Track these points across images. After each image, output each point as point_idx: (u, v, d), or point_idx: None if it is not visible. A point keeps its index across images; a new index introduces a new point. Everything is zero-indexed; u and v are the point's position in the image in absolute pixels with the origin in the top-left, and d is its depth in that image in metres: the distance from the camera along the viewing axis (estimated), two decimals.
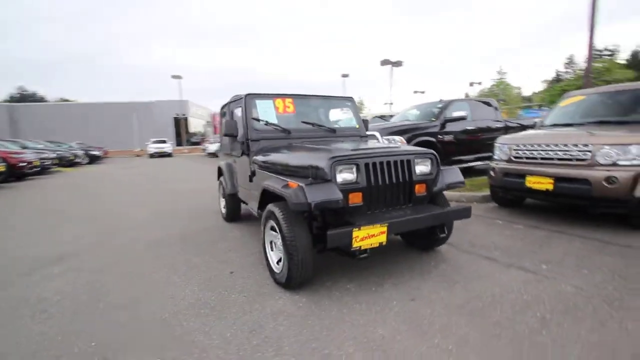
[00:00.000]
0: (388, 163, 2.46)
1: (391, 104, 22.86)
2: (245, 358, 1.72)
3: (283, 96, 3.62)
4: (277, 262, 2.57)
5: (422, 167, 2.63)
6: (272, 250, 2.67)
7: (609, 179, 3.24)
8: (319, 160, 2.31)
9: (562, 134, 3.85)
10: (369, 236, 2.17)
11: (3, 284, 2.82)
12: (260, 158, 3.15)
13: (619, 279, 2.41)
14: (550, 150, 3.73)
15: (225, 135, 3.48)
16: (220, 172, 4.66)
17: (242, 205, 4.42)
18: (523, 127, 8.25)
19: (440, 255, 3.01)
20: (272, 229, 2.58)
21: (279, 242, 2.48)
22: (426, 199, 2.70)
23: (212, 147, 23.13)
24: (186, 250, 3.47)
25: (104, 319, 2.17)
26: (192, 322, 2.08)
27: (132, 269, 3.05)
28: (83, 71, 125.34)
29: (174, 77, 26.60)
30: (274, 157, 2.91)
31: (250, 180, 3.35)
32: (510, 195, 4.45)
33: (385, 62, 21.11)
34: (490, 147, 7.37)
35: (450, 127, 6.77)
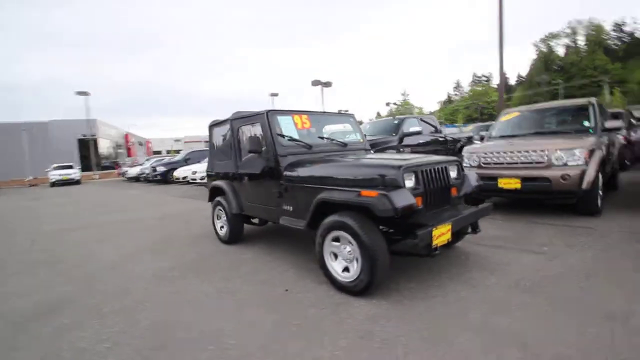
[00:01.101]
0: (434, 170, 2.77)
1: None
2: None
3: (299, 112, 3.71)
4: (343, 272, 2.63)
5: (453, 173, 3.02)
6: (333, 261, 2.71)
7: (564, 176, 4.12)
8: (389, 170, 2.50)
9: (520, 143, 4.73)
10: (441, 234, 2.42)
11: (7, 341, 2.25)
12: (295, 173, 3.16)
13: (601, 252, 3.10)
14: (515, 156, 4.55)
15: (250, 152, 3.38)
16: (217, 193, 4.41)
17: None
18: (456, 140, 9.66)
19: (462, 250, 3.42)
20: (335, 239, 2.64)
21: (346, 251, 2.56)
22: (458, 201, 3.08)
23: (133, 171, 20.95)
24: (207, 280, 3.17)
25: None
26: (301, 343, 2.01)
27: (161, 303, 2.71)
28: None
29: (80, 93, 23.25)
30: (320, 171, 2.98)
31: (280, 196, 3.32)
32: (481, 196, 5.21)
33: (316, 83, 22.18)
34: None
35: (406, 141, 7.55)
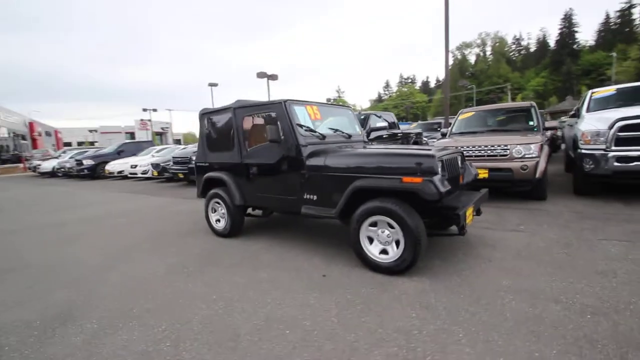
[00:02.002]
0: (450, 160, 3.12)
1: None
2: (457, 321, 2.03)
3: (310, 103, 3.76)
4: (380, 254, 2.82)
5: (459, 163, 3.42)
6: (369, 245, 2.88)
7: (522, 167, 4.89)
8: (426, 159, 2.75)
9: (481, 139, 5.43)
10: (469, 215, 2.78)
11: (37, 353, 1.95)
12: (320, 162, 3.23)
13: (564, 228, 3.82)
14: (482, 150, 5.23)
15: (271, 141, 3.34)
16: (212, 185, 4.21)
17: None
18: (408, 135, 10.50)
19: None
20: (372, 224, 2.82)
21: (385, 234, 2.77)
22: (462, 187, 3.49)
23: (48, 165, 18.13)
24: (233, 272, 3.09)
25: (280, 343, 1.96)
26: (375, 318, 2.16)
27: (198, 298, 2.59)
28: None
29: None
30: (355, 160, 3.08)
31: (302, 186, 3.36)
32: None
33: (261, 75, 21.66)
34: None
35: (372, 135, 8.01)
